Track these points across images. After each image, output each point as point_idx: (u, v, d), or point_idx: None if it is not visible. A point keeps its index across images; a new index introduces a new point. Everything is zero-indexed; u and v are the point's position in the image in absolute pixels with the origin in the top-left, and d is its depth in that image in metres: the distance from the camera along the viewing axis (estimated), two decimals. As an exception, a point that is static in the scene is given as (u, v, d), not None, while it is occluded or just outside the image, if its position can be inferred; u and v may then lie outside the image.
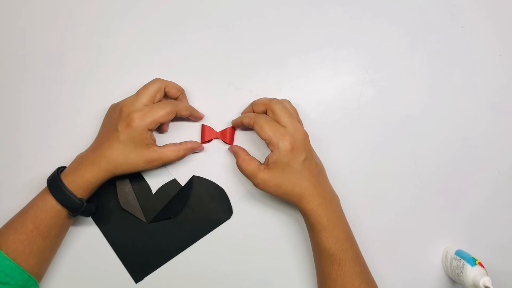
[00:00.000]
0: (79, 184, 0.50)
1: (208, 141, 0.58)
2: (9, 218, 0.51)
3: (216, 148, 0.58)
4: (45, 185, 0.51)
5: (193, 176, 0.58)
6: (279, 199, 0.57)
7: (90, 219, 0.57)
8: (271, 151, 0.50)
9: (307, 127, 0.58)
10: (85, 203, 0.51)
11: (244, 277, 0.58)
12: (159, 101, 0.53)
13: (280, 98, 0.58)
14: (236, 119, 0.56)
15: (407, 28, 0.59)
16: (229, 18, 0.59)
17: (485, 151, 0.59)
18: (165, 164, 0.54)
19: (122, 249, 0.57)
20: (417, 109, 0.59)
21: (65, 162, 0.54)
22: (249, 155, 0.54)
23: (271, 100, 0.53)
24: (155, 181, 0.57)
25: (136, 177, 0.57)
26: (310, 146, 0.52)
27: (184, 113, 0.54)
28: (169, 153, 0.53)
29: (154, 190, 0.58)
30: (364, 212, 0.58)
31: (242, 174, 0.57)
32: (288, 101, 0.55)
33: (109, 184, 0.56)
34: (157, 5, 0.59)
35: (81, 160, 0.51)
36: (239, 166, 0.53)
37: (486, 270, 0.52)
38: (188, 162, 0.58)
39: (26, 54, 0.58)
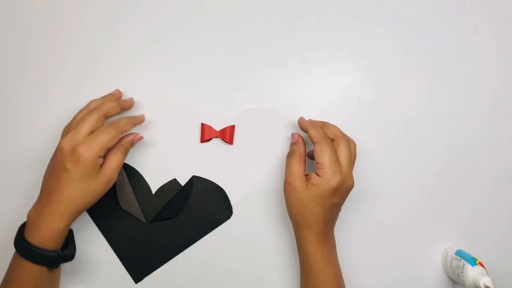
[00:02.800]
0: (48, 238, 0.48)
1: (208, 140, 0.58)
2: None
3: (216, 148, 0.58)
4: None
5: (193, 176, 0.58)
6: (279, 199, 0.57)
7: (89, 219, 0.57)
8: (319, 175, 0.49)
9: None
10: (60, 254, 0.49)
11: (244, 277, 0.58)
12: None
13: (280, 97, 0.58)
14: (303, 122, 0.54)
15: (407, 28, 0.59)
16: (229, 18, 0.59)
17: (485, 151, 0.59)
18: (119, 169, 0.51)
19: (122, 249, 0.57)
20: (417, 109, 0.59)
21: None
22: (305, 155, 0.53)
23: (343, 135, 0.53)
24: (155, 181, 0.57)
25: (136, 177, 0.57)
26: (347, 195, 0.52)
27: (128, 128, 0.52)
28: (114, 160, 0.50)
29: (154, 190, 0.58)
30: (364, 212, 0.58)
31: (242, 174, 0.57)
32: (355, 145, 0.53)
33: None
34: (157, 5, 0.59)
35: (38, 215, 0.48)
36: (291, 155, 0.53)
37: (486, 270, 0.52)
38: (188, 162, 0.58)
39: (26, 53, 0.58)
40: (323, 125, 0.54)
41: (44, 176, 0.52)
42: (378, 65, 0.59)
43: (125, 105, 0.55)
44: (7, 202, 0.57)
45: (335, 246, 0.54)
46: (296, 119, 0.55)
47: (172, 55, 0.59)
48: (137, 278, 0.57)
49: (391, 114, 0.59)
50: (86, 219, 0.57)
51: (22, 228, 0.50)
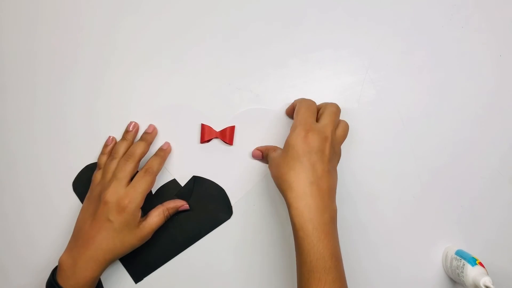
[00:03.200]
0: (83, 285, 0.50)
1: (208, 141, 0.58)
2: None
3: (216, 148, 0.58)
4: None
5: (193, 176, 0.58)
6: (279, 199, 0.57)
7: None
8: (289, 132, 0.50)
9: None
10: None
11: (244, 277, 0.58)
12: None
13: (280, 97, 0.58)
14: (291, 105, 0.56)
15: (407, 27, 0.59)
16: (229, 18, 0.59)
17: (485, 151, 0.59)
18: (155, 230, 0.54)
19: (122, 249, 0.57)
20: (417, 109, 0.59)
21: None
22: (276, 147, 0.55)
23: (336, 105, 0.53)
24: (155, 181, 0.57)
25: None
26: (328, 151, 0.47)
27: (161, 168, 0.55)
28: (156, 220, 0.53)
29: (154, 190, 0.58)
30: (364, 212, 0.58)
31: (242, 174, 0.58)
32: (346, 124, 0.53)
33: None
34: (158, 7, 0.59)
35: (73, 262, 0.50)
36: (269, 156, 0.53)
37: (486, 270, 0.52)
38: (188, 162, 0.58)
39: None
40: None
41: (78, 223, 0.53)
42: (378, 65, 0.59)
43: (151, 139, 0.56)
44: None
45: (334, 219, 0.47)
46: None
47: (172, 55, 0.59)
48: (137, 278, 0.57)
49: (391, 114, 0.59)
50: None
51: (54, 273, 0.50)
